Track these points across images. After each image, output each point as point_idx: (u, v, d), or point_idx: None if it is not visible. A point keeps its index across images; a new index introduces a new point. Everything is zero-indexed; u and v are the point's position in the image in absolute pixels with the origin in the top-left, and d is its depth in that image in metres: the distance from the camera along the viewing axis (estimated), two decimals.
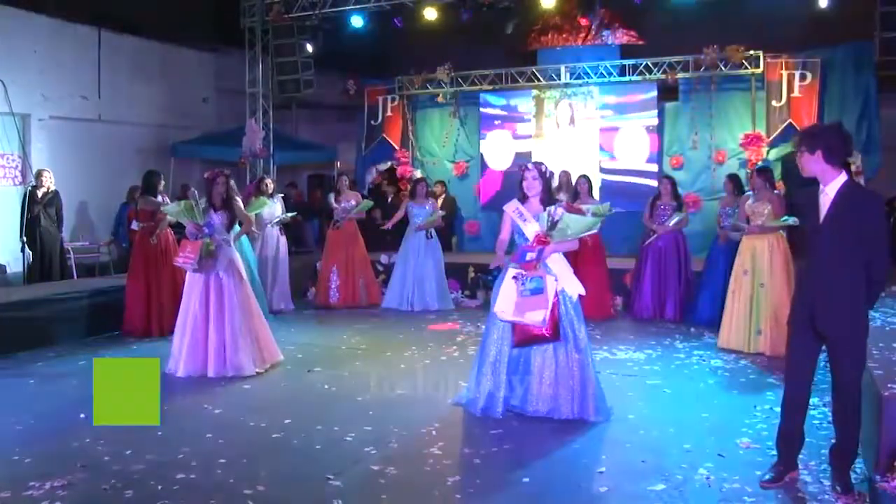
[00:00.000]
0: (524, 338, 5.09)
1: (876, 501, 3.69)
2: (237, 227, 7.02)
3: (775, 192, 7.74)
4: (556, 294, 5.09)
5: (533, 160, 6.28)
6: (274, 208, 9.90)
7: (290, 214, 10.22)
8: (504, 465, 4.50)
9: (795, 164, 4.16)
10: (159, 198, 8.41)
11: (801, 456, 4.21)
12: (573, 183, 9.58)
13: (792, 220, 6.99)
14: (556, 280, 5.12)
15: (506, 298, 5.14)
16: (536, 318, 4.94)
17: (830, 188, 3.95)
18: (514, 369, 5.34)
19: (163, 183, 8.66)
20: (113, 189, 12.44)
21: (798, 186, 4.33)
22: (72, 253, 11.66)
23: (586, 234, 5.32)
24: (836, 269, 3.91)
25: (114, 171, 12.86)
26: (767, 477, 4.13)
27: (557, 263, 5.27)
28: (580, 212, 5.22)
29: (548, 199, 5.42)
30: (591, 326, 8.71)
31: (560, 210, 5.28)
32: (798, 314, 4.10)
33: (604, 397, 5.35)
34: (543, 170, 5.48)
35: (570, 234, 5.20)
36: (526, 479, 4.24)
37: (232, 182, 7.46)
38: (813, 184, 4.06)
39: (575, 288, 5.25)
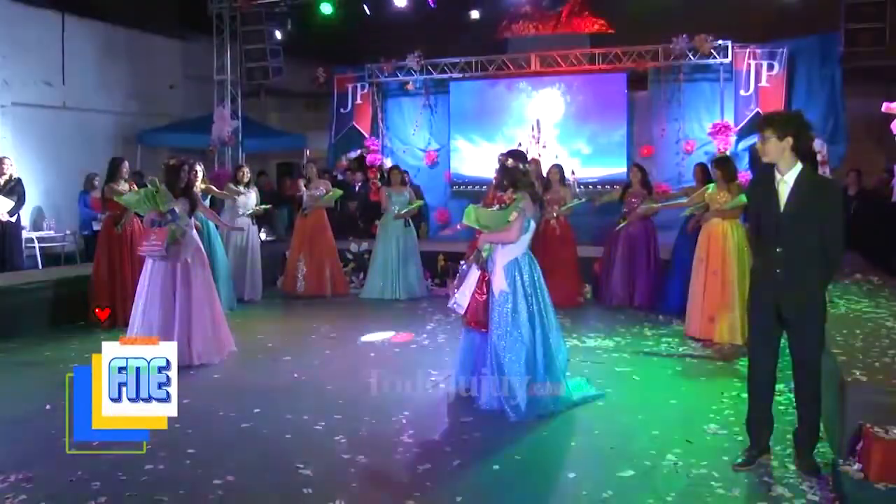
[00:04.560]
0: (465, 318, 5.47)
1: (839, 483, 3.77)
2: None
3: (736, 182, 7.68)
4: (484, 285, 5.28)
5: (509, 149, 6.29)
6: (249, 198, 9.82)
7: (264, 206, 10.10)
8: (475, 453, 4.52)
9: None
10: (124, 185, 8.25)
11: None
12: (544, 173, 9.59)
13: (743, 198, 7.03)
14: (477, 271, 5.33)
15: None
16: (452, 296, 5.48)
17: (789, 176, 4.00)
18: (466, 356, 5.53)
19: (127, 169, 8.49)
20: (79, 178, 12.21)
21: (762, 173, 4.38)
22: (36, 242, 11.47)
23: (503, 225, 5.28)
24: (799, 255, 3.98)
25: (79, 160, 12.60)
26: (739, 460, 4.19)
27: (499, 256, 5.29)
28: (492, 202, 5.48)
29: (502, 187, 5.47)
30: (560, 314, 8.77)
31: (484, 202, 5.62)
32: (759, 301, 4.16)
33: (529, 401, 5.09)
34: (504, 160, 5.47)
35: (483, 224, 5.31)
36: (496, 467, 4.26)
37: (198, 169, 7.37)
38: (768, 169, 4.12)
39: (497, 284, 5.25)
